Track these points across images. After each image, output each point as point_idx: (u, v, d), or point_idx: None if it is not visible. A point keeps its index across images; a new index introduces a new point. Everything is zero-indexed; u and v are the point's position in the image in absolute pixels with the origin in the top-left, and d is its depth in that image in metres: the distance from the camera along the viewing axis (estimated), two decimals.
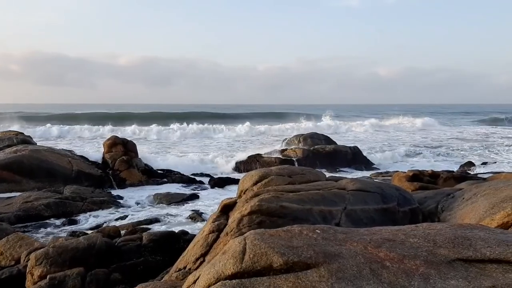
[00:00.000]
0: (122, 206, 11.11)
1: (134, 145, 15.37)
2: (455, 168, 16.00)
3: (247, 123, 37.39)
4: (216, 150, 22.37)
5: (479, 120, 58.55)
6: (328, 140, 20.64)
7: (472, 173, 13.84)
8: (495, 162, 17.33)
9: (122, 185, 13.67)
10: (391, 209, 5.48)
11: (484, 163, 16.76)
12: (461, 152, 22.44)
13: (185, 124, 35.71)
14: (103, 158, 14.89)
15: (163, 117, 46.63)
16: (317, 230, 3.14)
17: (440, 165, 17.24)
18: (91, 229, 8.92)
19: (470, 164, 16.15)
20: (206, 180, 14.68)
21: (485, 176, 10.67)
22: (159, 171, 15.28)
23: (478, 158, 19.47)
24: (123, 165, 14.24)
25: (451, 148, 23.75)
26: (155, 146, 24.03)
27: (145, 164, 15.10)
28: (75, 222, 9.55)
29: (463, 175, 11.21)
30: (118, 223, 9.27)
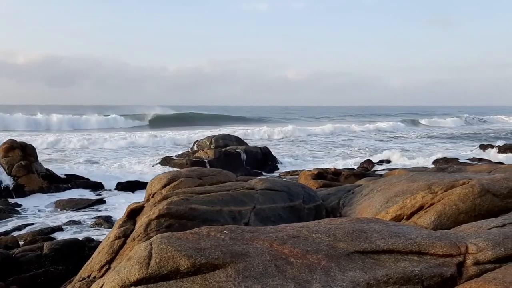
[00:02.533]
0: (21, 215, 10.30)
1: (34, 149, 14.31)
2: (355, 166, 17.04)
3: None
4: (129, 153, 21.66)
5: (383, 120, 62.58)
6: (239, 141, 20.91)
7: (370, 170, 14.83)
8: (390, 162, 18.70)
9: (20, 192, 12.66)
10: (297, 206, 5.69)
11: (382, 161, 18.04)
12: (362, 151, 23.98)
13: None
14: None
15: None
16: (225, 231, 3.17)
17: (344, 163, 18.25)
18: None
19: (369, 162, 17.30)
20: (114, 184, 14.11)
21: (382, 172, 11.51)
22: (62, 176, 14.38)
23: (377, 156, 20.93)
24: (22, 171, 13.18)
25: (356, 148, 25.25)
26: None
27: (46, 169, 14.14)
28: None
29: (363, 172, 11.99)
30: (16, 233, 8.59)
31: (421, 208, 4.92)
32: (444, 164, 14.34)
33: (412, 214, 4.92)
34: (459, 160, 16.68)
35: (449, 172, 7.74)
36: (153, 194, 5.92)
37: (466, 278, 2.80)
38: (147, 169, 17.14)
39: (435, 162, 16.54)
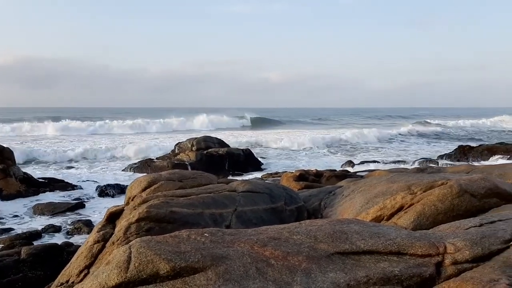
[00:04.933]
0: None
1: (11, 152, 14.02)
2: (337, 167, 17.17)
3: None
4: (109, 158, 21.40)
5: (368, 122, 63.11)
6: (221, 143, 20.85)
7: (351, 171, 14.95)
8: (374, 161, 18.91)
9: None
10: (279, 208, 5.70)
11: (363, 162, 18.21)
12: (346, 152, 24.19)
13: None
14: None
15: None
16: (205, 234, 3.15)
17: (325, 165, 18.37)
18: None
19: (350, 163, 17.45)
20: (94, 187, 13.91)
21: (363, 174, 11.61)
22: (40, 180, 14.13)
23: (358, 157, 21.16)
24: None
25: (341, 149, 25.42)
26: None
27: (24, 173, 13.87)
28: None
29: (344, 173, 12.08)
30: None
31: (401, 208, 4.97)
32: (424, 164, 14.55)
33: (392, 214, 4.97)
34: (438, 161, 16.96)
35: (428, 173, 7.84)
36: (133, 197, 5.86)
37: (445, 278, 2.83)
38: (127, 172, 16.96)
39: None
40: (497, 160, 16.43)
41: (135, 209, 4.95)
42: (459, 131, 43.33)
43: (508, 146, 19.10)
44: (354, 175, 11.44)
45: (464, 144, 22.56)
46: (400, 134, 35.18)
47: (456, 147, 20.96)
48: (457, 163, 16.67)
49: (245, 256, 2.84)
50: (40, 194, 12.84)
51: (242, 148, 19.82)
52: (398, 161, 18.80)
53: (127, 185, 9.56)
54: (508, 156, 17.27)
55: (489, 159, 17.15)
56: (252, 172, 17.44)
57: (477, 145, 21.06)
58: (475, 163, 14.11)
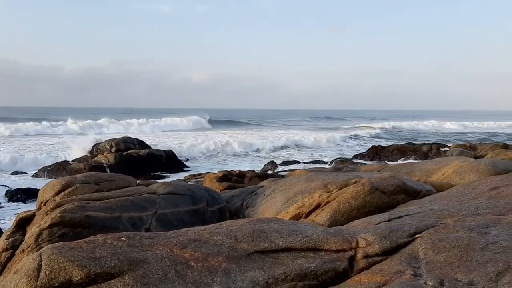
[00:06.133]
0: None
1: None
2: (260, 167, 17.46)
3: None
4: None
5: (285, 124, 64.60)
6: (142, 144, 20.27)
7: (273, 171, 15.28)
8: (296, 162, 19.47)
9: None
10: (200, 209, 5.68)
11: (284, 162, 18.67)
12: (271, 153, 24.60)
13: None
14: None
15: None
16: (122, 238, 3.05)
17: (250, 165, 18.59)
18: None
19: (272, 163, 17.80)
20: (3, 192, 12.88)
21: (284, 173, 11.90)
22: None
23: (281, 158, 21.65)
24: None
25: (264, 150, 25.74)
26: None
27: None
28: None
29: (266, 173, 12.31)
30: None
31: (318, 206, 5.17)
32: (340, 164, 15.24)
33: (310, 212, 5.16)
34: (353, 160, 17.85)
35: (344, 171, 8.23)
36: (45, 202, 5.53)
37: (357, 271, 2.98)
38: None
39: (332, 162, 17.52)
40: (408, 159, 17.66)
41: (47, 214, 4.68)
42: (382, 133, 45.20)
43: (415, 146, 20.61)
44: (275, 175, 11.69)
45: (376, 144, 23.93)
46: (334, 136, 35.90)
47: (370, 147, 22.24)
48: (370, 162, 17.67)
49: (164, 259, 2.80)
50: None
51: (164, 149, 19.44)
52: (318, 161, 19.52)
53: (39, 189, 9.00)
54: (415, 156, 18.65)
55: (398, 159, 18.37)
56: (175, 174, 17.18)
57: (388, 145, 22.49)
58: (390, 163, 15.03)
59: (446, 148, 19.25)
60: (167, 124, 47.32)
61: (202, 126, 50.46)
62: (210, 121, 54.07)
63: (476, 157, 12.22)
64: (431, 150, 19.22)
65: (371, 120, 70.51)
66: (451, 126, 56.56)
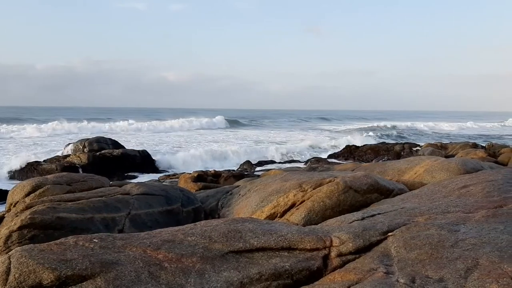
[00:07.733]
0: None
1: None
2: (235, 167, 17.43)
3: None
4: None
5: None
6: (116, 144, 19.97)
7: (250, 171, 15.29)
8: (273, 161, 19.52)
9: None
10: (175, 210, 5.63)
11: (260, 162, 18.70)
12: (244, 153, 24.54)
13: None
14: None
15: None
16: (94, 239, 3.00)
17: (226, 165, 18.54)
18: None
19: (248, 163, 17.81)
20: None
21: (259, 173, 11.92)
22: None
23: (255, 157, 21.62)
24: None
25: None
26: None
27: None
28: None
29: (242, 173, 12.29)
30: None
31: (293, 205, 5.20)
32: (315, 163, 15.35)
33: (285, 211, 5.18)
34: (328, 160, 18.02)
35: (319, 171, 8.30)
36: (15, 203, 5.39)
37: (331, 270, 3.01)
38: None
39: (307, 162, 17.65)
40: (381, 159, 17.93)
41: (17, 216, 4.56)
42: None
43: (388, 146, 20.96)
44: (251, 175, 11.69)
45: (350, 144, 24.19)
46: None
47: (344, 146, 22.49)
48: (344, 161, 17.87)
49: (137, 261, 2.77)
50: None
51: (138, 149, 19.18)
52: (293, 161, 19.61)
53: (8, 190, 8.74)
54: (388, 155, 18.96)
55: (372, 159, 18.64)
56: (149, 174, 16.97)
57: (362, 145, 22.77)
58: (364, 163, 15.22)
59: (418, 148, 19.63)
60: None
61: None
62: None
63: (446, 156, 12.50)
64: (403, 150, 19.57)
65: (351, 120, 71.44)
66: (424, 127, 57.43)
